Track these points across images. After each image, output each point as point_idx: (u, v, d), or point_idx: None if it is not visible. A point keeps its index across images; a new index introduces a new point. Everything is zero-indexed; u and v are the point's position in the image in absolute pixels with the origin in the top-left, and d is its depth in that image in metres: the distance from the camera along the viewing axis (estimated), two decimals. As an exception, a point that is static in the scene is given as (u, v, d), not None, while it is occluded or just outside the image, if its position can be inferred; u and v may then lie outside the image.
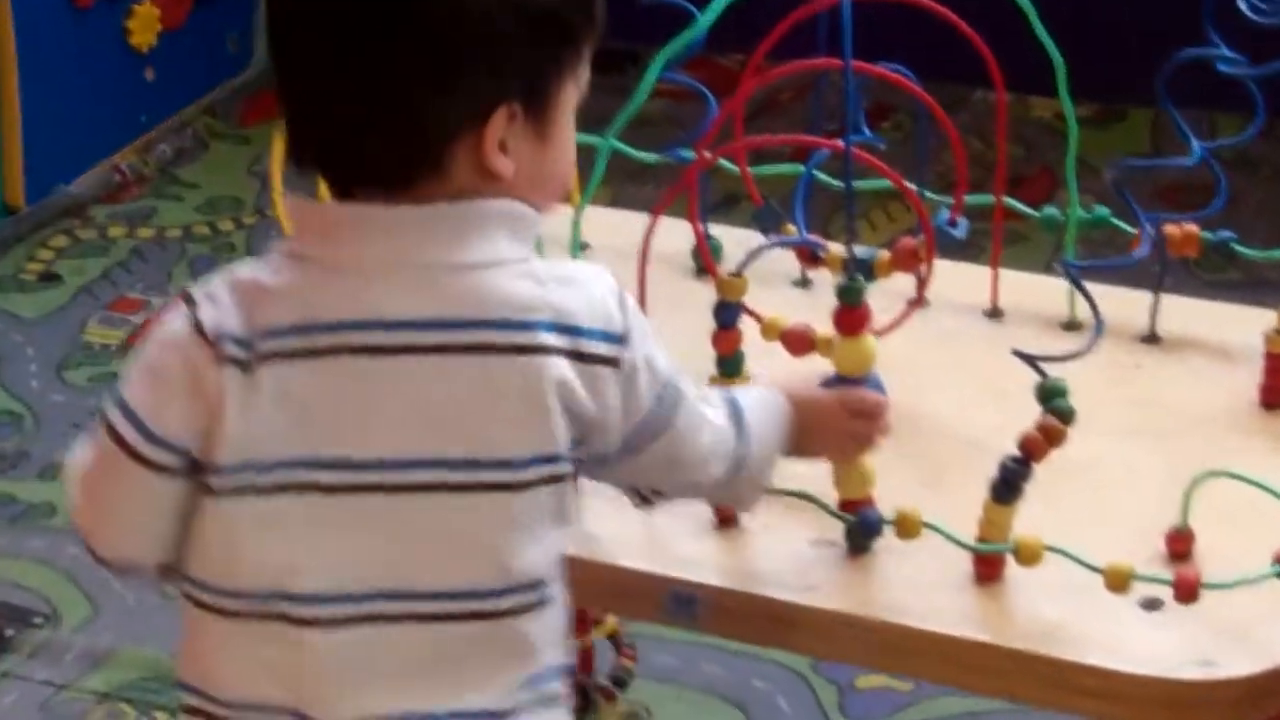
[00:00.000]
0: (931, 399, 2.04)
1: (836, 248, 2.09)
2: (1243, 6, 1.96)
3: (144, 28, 3.75)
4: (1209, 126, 2.13)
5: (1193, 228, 2.10)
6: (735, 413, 1.79)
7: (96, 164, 3.72)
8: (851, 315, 1.86)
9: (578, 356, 1.60)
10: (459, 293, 1.58)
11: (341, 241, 1.59)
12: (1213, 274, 2.64)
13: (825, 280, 2.20)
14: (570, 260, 1.65)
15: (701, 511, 1.95)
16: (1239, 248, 2.14)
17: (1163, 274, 2.11)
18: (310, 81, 1.59)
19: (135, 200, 3.69)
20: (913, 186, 2.01)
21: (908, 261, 2.00)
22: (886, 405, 1.87)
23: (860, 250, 1.95)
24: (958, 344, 2.14)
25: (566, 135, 1.70)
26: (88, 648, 2.71)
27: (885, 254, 2.04)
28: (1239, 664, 1.79)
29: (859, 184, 1.94)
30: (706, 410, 1.74)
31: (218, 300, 1.57)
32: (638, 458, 1.69)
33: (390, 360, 1.57)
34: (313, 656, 1.58)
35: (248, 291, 1.58)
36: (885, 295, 1.98)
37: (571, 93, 1.68)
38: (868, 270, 1.99)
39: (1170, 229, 2.09)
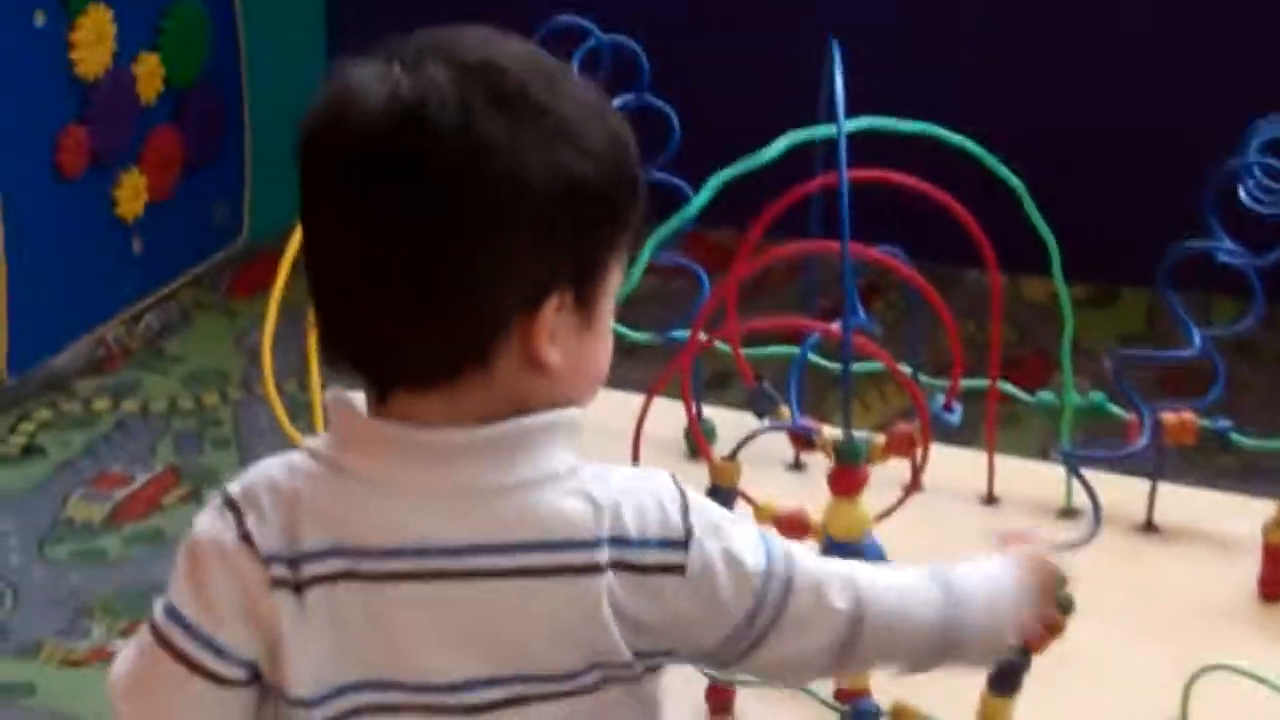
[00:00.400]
0: (931, 585, 2.03)
1: (830, 431, 2.08)
2: (1243, 195, 1.96)
3: (131, 197, 3.76)
4: (1204, 309, 2.11)
5: (1190, 416, 2.09)
6: (945, 580, 1.67)
7: (81, 336, 3.71)
8: (848, 476, 1.86)
9: (634, 569, 1.52)
10: (508, 515, 1.52)
11: (387, 462, 1.52)
12: (1210, 462, 2.62)
13: (819, 464, 2.20)
14: (621, 465, 1.56)
15: (697, 701, 1.94)
16: (1238, 437, 2.13)
17: (1160, 463, 2.11)
18: (353, 279, 1.51)
19: (119, 373, 3.68)
20: (907, 370, 2.01)
21: (903, 447, 2.00)
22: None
23: (857, 435, 1.94)
24: (954, 531, 2.13)
25: (609, 322, 1.62)
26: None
27: (880, 438, 2.03)
28: None
29: (854, 367, 1.93)
30: (863, 580, 1.62)
31: (262, 511, 1.51)
32: (760, 652, 1.57)
33: (438, 585, 1.51)
34: None
35: (289, 504, 1.52)
36: (882, 481, 1.97)
37: (616, 277, 1.61)
38: (863, 454, 1.98)
39: (1168, 417, 2.08)
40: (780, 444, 2.22)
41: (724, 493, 1.93)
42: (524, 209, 1.49)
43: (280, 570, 1.47)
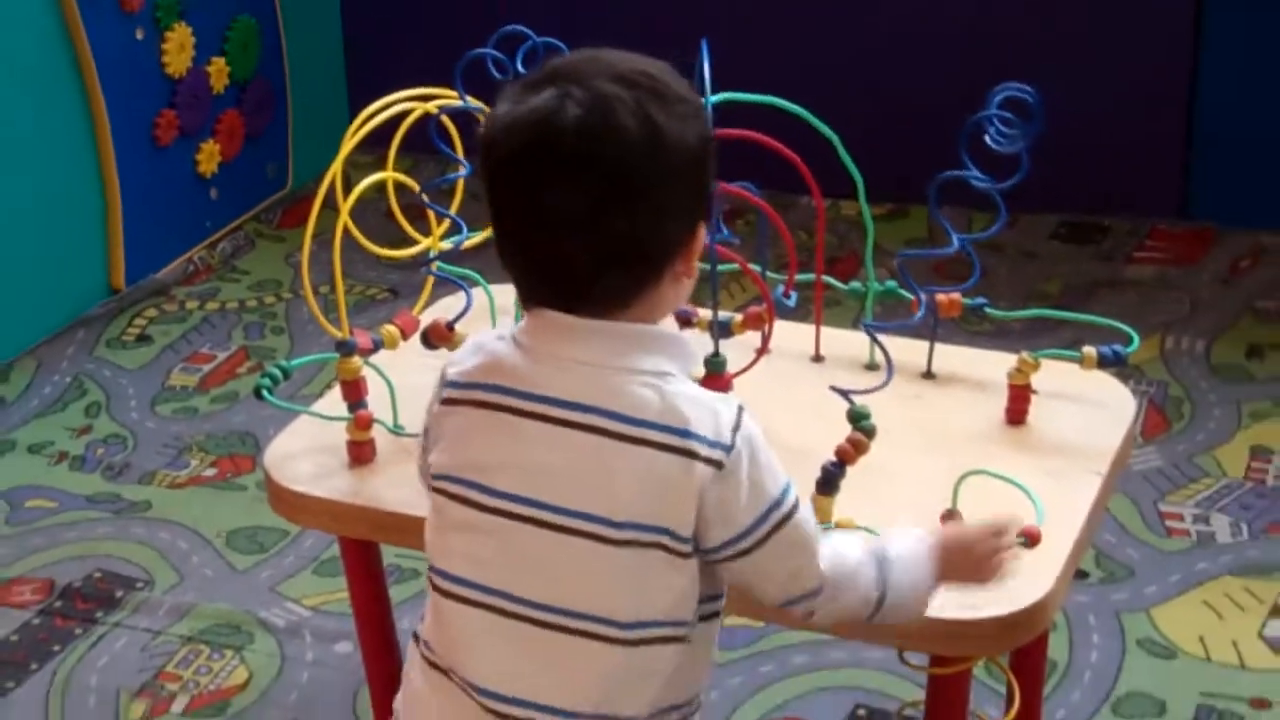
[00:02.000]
0: (775, 422, 2.00)
1: (705, 313, 2.06)
2: (987, 139, 1.95)
3: (208, 160, 3.72)
4: (965, 220, 2.11)
5: (956, 296, 2.08)
6: (880, 555, 1.60)
7: (176, 258, 3.68)
8: (718, 381, 1.85)
9: (690, 454, 1.47)
10: (605, 386, 1.49)
11: (544, 340, 1.51)
12: (971, 328, 2.61)
13: (698, 340, 2.18)
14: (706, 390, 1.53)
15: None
16: (989, 309, 2.12)
17: (935, 329, 2.10)
18: (566, 243, 1.47)
19: (204, 283, 3.65)
20: (757, 269, 1.99)
21: (755, 323, 1.99)
22: (1013, 522, 1.70)
23: (721, 316, 1.92)
24: (792, 382, 2.11)
25: (692, 258, 1.57)
26: (175, 605, 2.66)
27: (739, 317, 2.02)
28: (994, 606, 1.77)
29: (722, 268, 1.91)
30: (839, 547, 1.58)
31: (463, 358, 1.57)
32: (744, 561, 1.52)
33: (544, 426, 1.49)
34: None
35: (483, 355, 1.55)
36: (739, 347, 1.96)
37: (700, 235, 1.56)
38: (727, 330, 1.96)
39: (940, 297, 2.08)
40: (668, 323, 2.19)
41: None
42: (689, 166, 1.49)
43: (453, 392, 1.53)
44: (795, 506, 1.52)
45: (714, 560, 1.51)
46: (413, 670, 1.60)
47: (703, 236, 1.54)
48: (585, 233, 1.45)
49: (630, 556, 1.47)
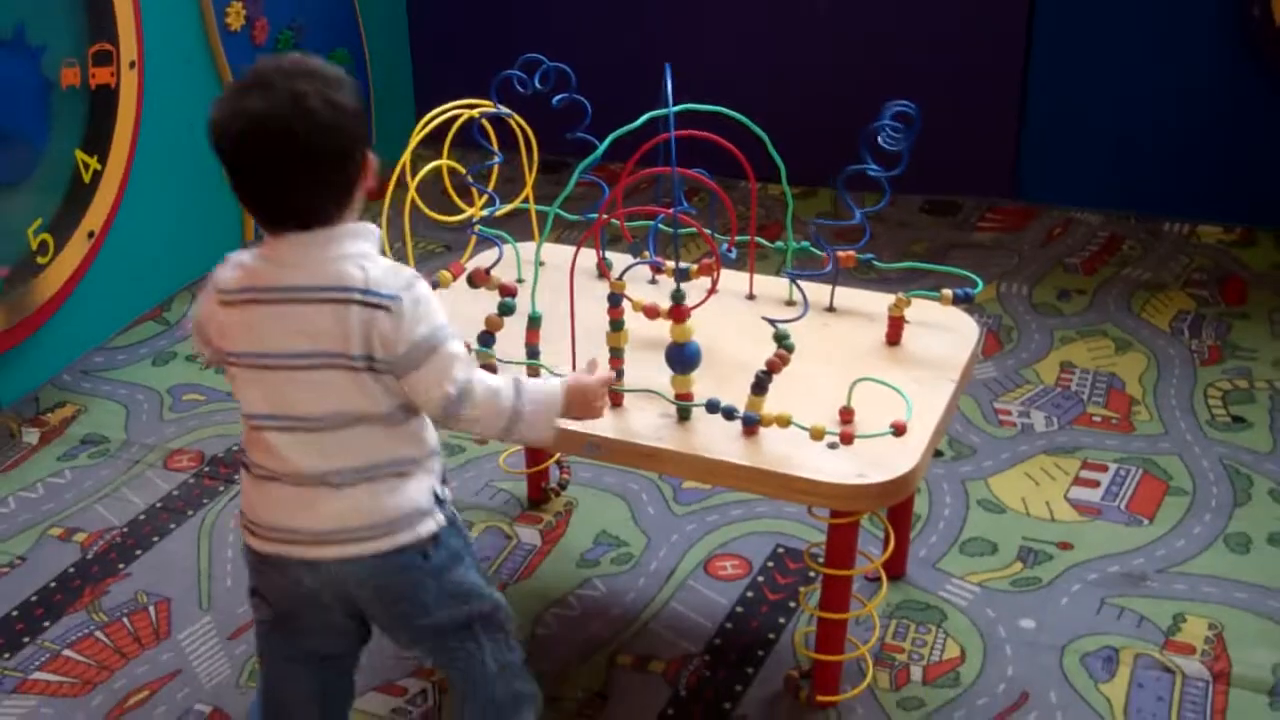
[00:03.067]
0: (723, 342, 2.01)
1: (669, 263, 2.04)
2: (881, 140, 1.93)
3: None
4: (861, 199, 2.08)
5: (852, 253, 2.07)
6: (518, 386, 1.68)
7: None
8: (680, 310, 1.84)
9: (368, 304, 1.57)
10: (321, 272, 1.59)
11: (277, 251, 1.61)
12: (863, 275, 2.59)
13: (665, 281, 2.16)
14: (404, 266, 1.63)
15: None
16: (876, 263, 2.10)
17: (835, 275, 2.08)
18: (269, 190, 1.58)
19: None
20: (709, 231, 1.97)
21: (707, 271, 1.97)
22: (608, 383, 1.80)
23: (682, 265, 1.90)
24: (733, 313, 2.10)
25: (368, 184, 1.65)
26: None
27: (695, 267, 2.00)
28: (877, 475, 1.77)
29: (682, 231, 1.88)
30: (479, 375, 1.66)
31: (227, 268, 1.64)
32: (407, 378, 1.61)
33: (287, 306, 1.60)
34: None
35: (238, 267, 1.63)
36: (695, 289, 1.94)
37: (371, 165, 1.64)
38: (686, 275, 1.94)
39: (841, 254, 2.06)
40: (644, 271, 2.17)
41: (616, 296, 1.88)
42: (356, 121, 1.60)
43: (223, 296, 1.63)
44: (444, 343, 1.61)
45: (390, 374, 1.61)
46: (245, 482, 1.70)
47: (372, 159, 1.63)
48: (305, 185, 1.56)
49: (347, 374, 1.60)
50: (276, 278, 1.59)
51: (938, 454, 2.60)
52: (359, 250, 1.60)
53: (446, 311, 1.64)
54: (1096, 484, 2.53)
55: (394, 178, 1.95)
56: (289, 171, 1.55)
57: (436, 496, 1.67)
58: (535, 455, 2.47)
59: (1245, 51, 3.29)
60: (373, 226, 1.64)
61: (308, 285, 1.58)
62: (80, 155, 2.87)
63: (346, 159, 1.58)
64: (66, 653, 2.21)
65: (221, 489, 2.59)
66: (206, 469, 2.65)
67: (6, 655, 2.20)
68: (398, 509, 1.64)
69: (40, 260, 2.80)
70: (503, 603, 1.77)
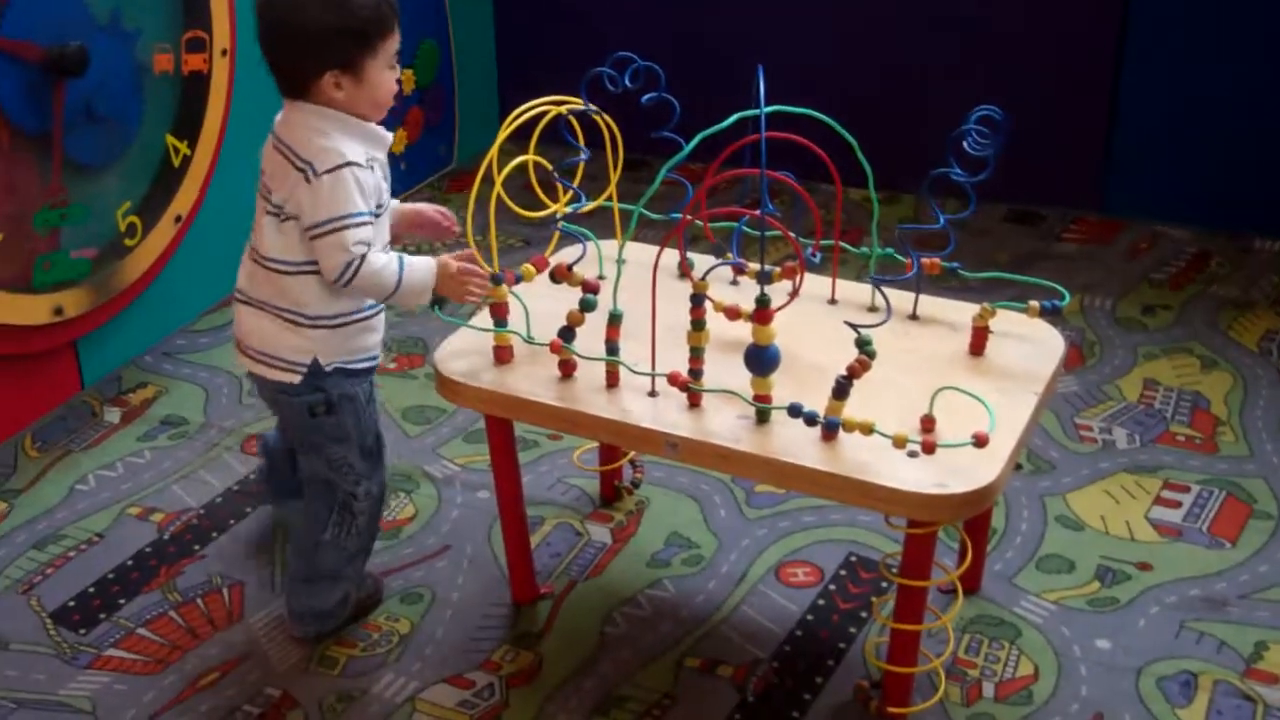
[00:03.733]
0: (804, 345, 1.99)
1: (753, 266, 2.02)
2: (966, 145, 1.91)
3: (399, 142, 3.68)
4: (944, 204, 2.05)
5: (937, 260, 2.05)
6: (400, 261, 1.97)
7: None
8: (763, 314, 1.82)
9: (305, 172, 1.94)
10: (293, 140, 1.96)
11: (293, 114, 1.99)
12: (946, 283, 2.55)
13: (748, 283, 2.15)
14: (344, 151, 1.95)
15: (681, 400, 1.89)
16: (961, 271, 2.08)
17: (919, 283, 2.06)
18: (266, 55, 1.98)
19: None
20: (792, 235, 1.95)
21: (790, 274, 1.95)
22: (476, 270, 2.02)
23: (765, 267, 1.89)
24: (816, 316, 2.08)
25: (378, 82, 1.97)
26: (365, 459, 2.65)
27: (778, 269, 1.99)
28: (957, 486, 1.75)
29: (768, 233, 1.87)
30: (371, 256, 1.94)
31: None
32: (313, 244, 1.94)
33: (274, 151, 2.00)
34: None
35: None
36: (777, 291, 1.92)
37: (378, 61, 1.95)
38: (769, 278, 1.92)
39: (925, 261, 2.04)
40: (727, 272, 2.16)
41: (699, 296, 1.87)
42: (305, 38, 1.94)
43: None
44: (345, 228, 1.91)
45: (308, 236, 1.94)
46: (237, 311, 2.09)
47: (369, 61, 1.95)
48: (273, 64, 1.98)
49: (275, 219, 1.99)
50: (278, 128, 2.00)
51: (1017, 467, 2.57)
52: (320, 127, 1.94)
53: (531, 307, 1.65)
54: (1178, 504, 2.48)
55: (480, 171, 1.95)
56: (265, 52, 1.97)
57: (315, 364, 2.01)
58: (610, 453, 2.47)
59: (1345, 68, 3.22)
60: (345, 117, 1.96)
61: (284, 139, 1.97)
62: (170, 140, 2.90)
63: (298, 57, 1.95)
64: (140, 631, 2.23)
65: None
66: (283, 454, 2.68)
67: (83, 631, 2.23)
68: (275, 349, 2.02)
69: (128, 242, 2.84)
70: (367, 495, 2.11)
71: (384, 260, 1.96)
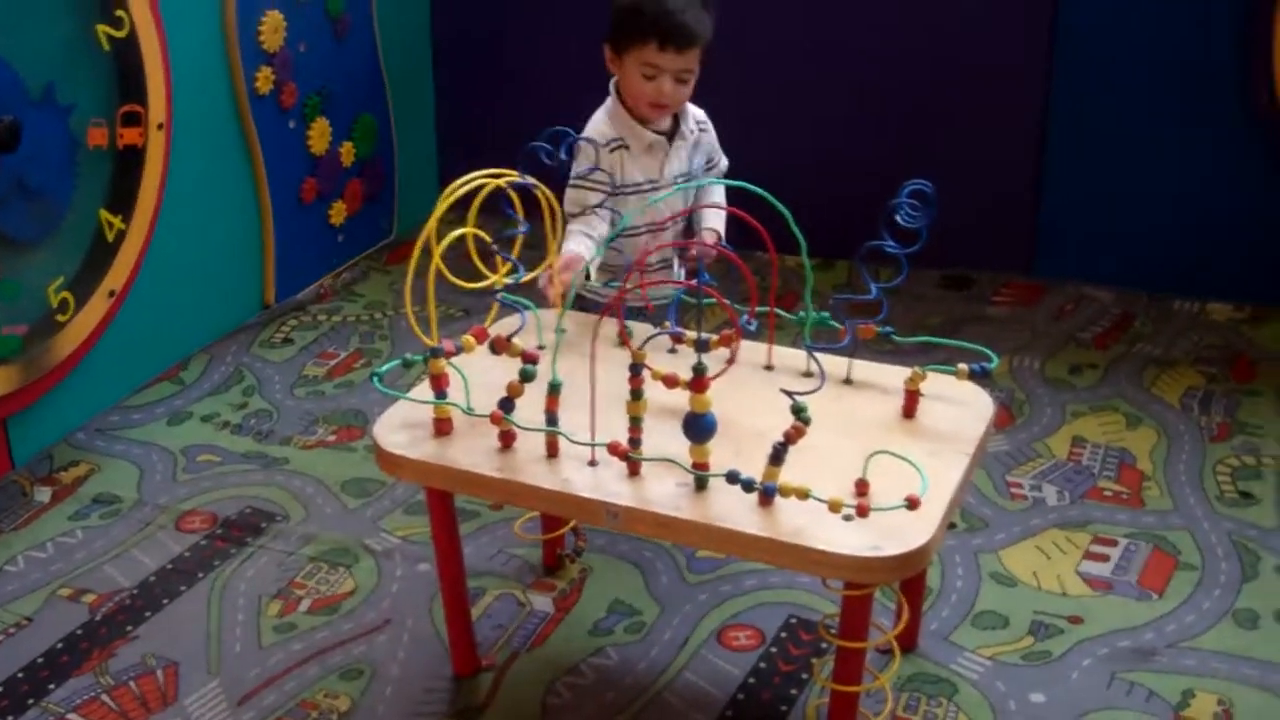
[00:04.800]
0: (741, 412, 2.01)
1: (690, 334, 2.06)
2: (899, 218, 1.95)
3: (338, 214, 3.70)
4: (876, 273, 2.10)
5: (871, 326, 2.08)
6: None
7: (311, 283, 3.66)
8: (700, 382, 1.84)
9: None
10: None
11: None
12: (880, 348, 2.60)
13: (686, 351, 2.18)
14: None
15: (621, 469, 1.90)
16: (893, 336, 2.12)
17: (853, 348, 2.09)
18: None
19: (331, 302, 3.63)
20: (728, 303, 1.99)
21: (726, 341, 1.98)
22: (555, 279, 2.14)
23: (702, 336, 1.91)
24: (753, 383, 2.11)
25: (630, 77, 2.17)
26: (303, 533, 2.65)
27: (715, 337, 2.01)
28: (892, 548, 1.77)
29: (705, 302, 1.90)
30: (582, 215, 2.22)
31: None
32: None
33: None
34: None
35: None
36: (715, 359, 1.94)
37: (632, 59, 2.14)
38: (706, 345, 1.95)
39: (860, 327, 2.07)
40: (664, 341, 2.18)
41: (637, 365, 1.89)
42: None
43: None
44: (570, 188, 2.22)
45: None
46: None
47: (625, 60, 2.18)
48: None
49: None
50: None
51: (951, 526, 2.61)
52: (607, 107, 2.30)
53: (471, 378, 1.66)
54: (1107, 558, 2.53)
55: (419, 243, 1.96)
56: None
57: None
58: (551, 522, 2.48)
59: (1255, 133, 3.33)
60: (603, 110, 2.27)
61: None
62: (104, 214, 2.90)
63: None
64: (71, 716, 2.19)
65: (233, 551, 2.60)
66: (219, 531, 2.66)
67: (11, 718, 2.19)
68: None
69: (60, 318, 2.82)
70: None
71: (575, 226, 2.23)
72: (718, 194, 2.38)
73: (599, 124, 2.28)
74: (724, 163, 2.49)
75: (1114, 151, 3.47)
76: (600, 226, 2.23)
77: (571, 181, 2.16)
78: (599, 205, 2.20)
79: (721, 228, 2.31)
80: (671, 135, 2.36)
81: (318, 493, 2.78)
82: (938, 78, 3.53)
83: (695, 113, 2.42)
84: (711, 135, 2.45)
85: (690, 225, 2.31)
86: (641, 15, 2.10)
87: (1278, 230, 3.38)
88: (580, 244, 2.21)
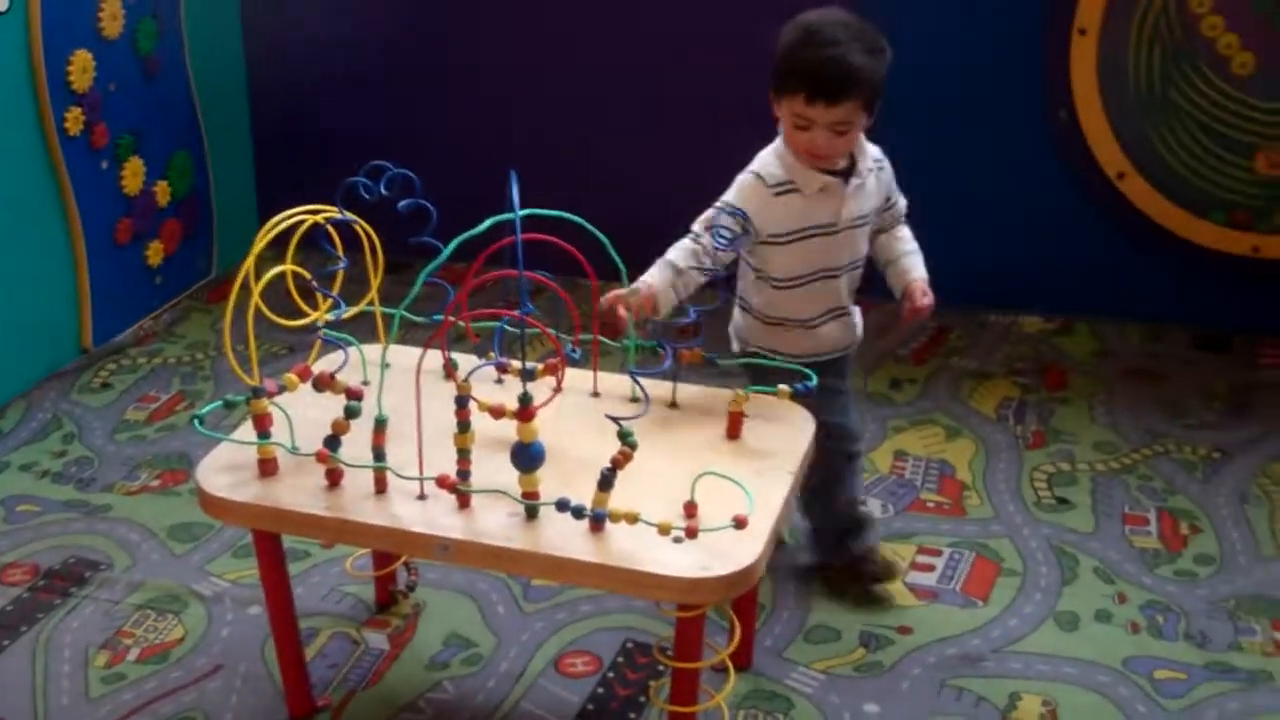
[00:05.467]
0: (569, 439, 2.03)
1: (515, 363, 2.06)
2: (714, 243, 1.97)
3: (155, 254, 3.62)
4: (699, 296, 2.13)
5: (696, 351, 2.11)
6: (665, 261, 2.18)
7: (130, 325, 3.57)
8: (526, 411, 1.85)
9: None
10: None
11: None
12: (702, 371, 2.64)
13: (511, 381, 2.18)
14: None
15: (451, 502, 1.90)
16: (717, 361, 2.15)
17: (676, 372, 2.12)
18: None
19: (151, 344, 3.53)
20: (553, 332, 2.00)
21: (552, 370, 1.99)
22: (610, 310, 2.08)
23: (527, 365, 1.93)
24: (579, 411, 2.12)
25: (785, 124, 2.12)
26: (129, 581, 2.58)
27: (540, 366, 2.03)
28: (721, 568, 1.80)
29: (529, 332, 1.91)
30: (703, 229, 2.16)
31: None
32: None
33: None
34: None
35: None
36: (541, 388, 1.96)
37: (785, 109, 2.12)
38: (531, 375, 1.96)
39: (683, 352, 2.10)
40: (490, 372, 2.19)
41: (463, 398, 1.89)
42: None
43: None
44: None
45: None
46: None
47: (780, 107, 2.14)
48: None
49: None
50: None
51: (780, 543, 2.65)
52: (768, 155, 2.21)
53: (296, 417, 1.64)
54: (932, 568, 2.60)
55: (238, 281, 1.94)
56: None
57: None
58: (383, 558, 2.46)
59: (1055, 150, 3.47)
60: (772, 148, 2.21)
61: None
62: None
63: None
64: (-110, 782, 2.11)
65: (57, 602, 2.51)
66: (41, 582, 2.57)
67: None
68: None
69: None
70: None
71: (672, 254, 2.17)
72: (906, 236, 2.34)
73: (768, 164, 2.16)
74: (902, 203, 2.38)
75: (923, 170, 3.58)
76: (713, 259, 2.09)
77: (719, 204, 2.10)
78: (725, 243, 2.05)
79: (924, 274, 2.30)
80: (847, 175, 2.22)
81: (143, 539, 2.70)
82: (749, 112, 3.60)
83: (872, 150, 2.28)
84: (889, 173, 2.31)
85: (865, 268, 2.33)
86: (793, 61, 1.97)
87: (1084, 244, 3.53)
88: (667, 278, 2.13)
